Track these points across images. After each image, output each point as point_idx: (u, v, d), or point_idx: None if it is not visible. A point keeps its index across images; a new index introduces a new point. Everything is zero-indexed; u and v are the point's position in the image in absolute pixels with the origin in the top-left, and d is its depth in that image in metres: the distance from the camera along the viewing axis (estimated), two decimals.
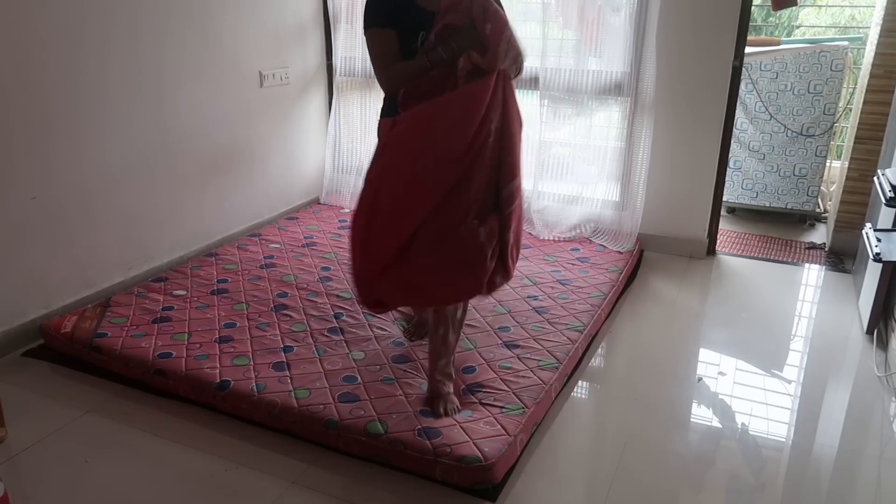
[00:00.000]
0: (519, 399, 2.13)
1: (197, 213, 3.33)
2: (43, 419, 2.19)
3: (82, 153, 2.72)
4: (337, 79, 3.97)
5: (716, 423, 2.28)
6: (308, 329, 2.59)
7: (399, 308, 2.63)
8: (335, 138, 4.08)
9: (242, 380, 2.24)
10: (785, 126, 4.02)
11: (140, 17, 2.86)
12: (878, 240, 2.60)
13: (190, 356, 2.38)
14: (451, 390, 2.14)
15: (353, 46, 3.89)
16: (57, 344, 2.54)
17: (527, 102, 3.77)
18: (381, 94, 2.19)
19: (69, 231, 2.72)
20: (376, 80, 2.17)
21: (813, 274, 3.50)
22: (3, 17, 2.36)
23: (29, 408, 2.25)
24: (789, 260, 3.66)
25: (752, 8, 3.32)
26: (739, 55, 3.26)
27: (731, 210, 4.39)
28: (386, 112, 2.27)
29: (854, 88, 4.06)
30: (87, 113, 2.71)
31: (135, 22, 2.83)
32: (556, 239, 3.56)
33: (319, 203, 4.12)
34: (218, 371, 2.29)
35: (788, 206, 4.17)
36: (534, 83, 3.58)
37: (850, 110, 4.06)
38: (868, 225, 2.80)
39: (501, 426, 2.00)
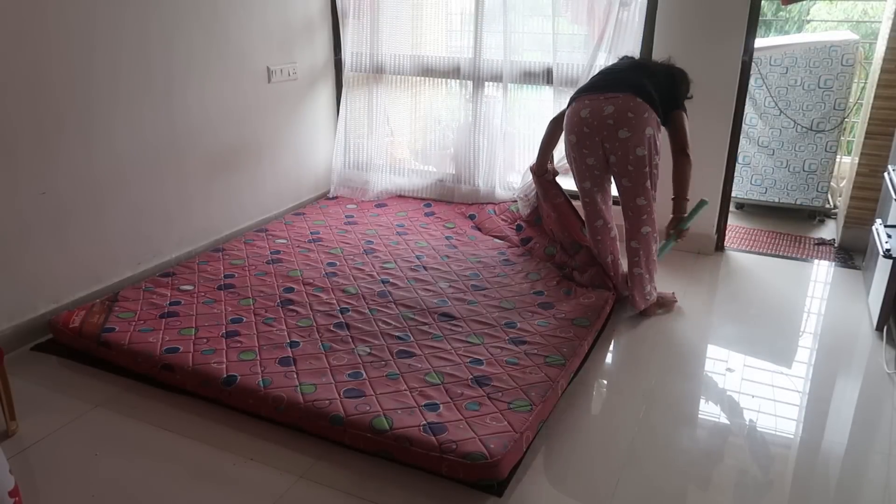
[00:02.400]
0: (526, 396, 2.13)
1: (204, 208, 3.34)
2: (53, 413, 2.21)
3: (91, 149, 2.73)
4: (346, 74, 3.97)
5: (724, 420, 2.27)
6: (314, 324, 2.60)
7: None
8: (344, 133, 4.08)
9: (249, 375, 2.25)
10: (794, 121, 3.99)
11: (149, 13, 2.86)
12: (889, 236, 2.59)
13: (197, 351, 2.39)
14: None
15: (360, 42, 3.89)
16: (65, 338, 2.55)
17: (539, 97, 3.78)
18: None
19: (78, 226, 2.74)
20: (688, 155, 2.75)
21: (822, 270, 3.47)
22: (13, 13, 2.37)
23: (39, 402, 2.26)
24: (798, 256, 3.64)
25: (762, 3, 3.29)
26: (749, 50, 3.24)
27: (740, 206, 4.36)
28: None
29: (865, 83, 4.02)
30: (97, 109, 2.72)
31: (144, 18, 2.84)
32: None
33: (327, 198, 4.12)
34: (225, 366, 2.30)
35: (798, 202, 4.14)
36: (545, 78, 3.57)
37: (861, 105, 4.02)
38: (878, 221, 2.78)
39: (508, 422, 2.00)
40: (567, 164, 2.92)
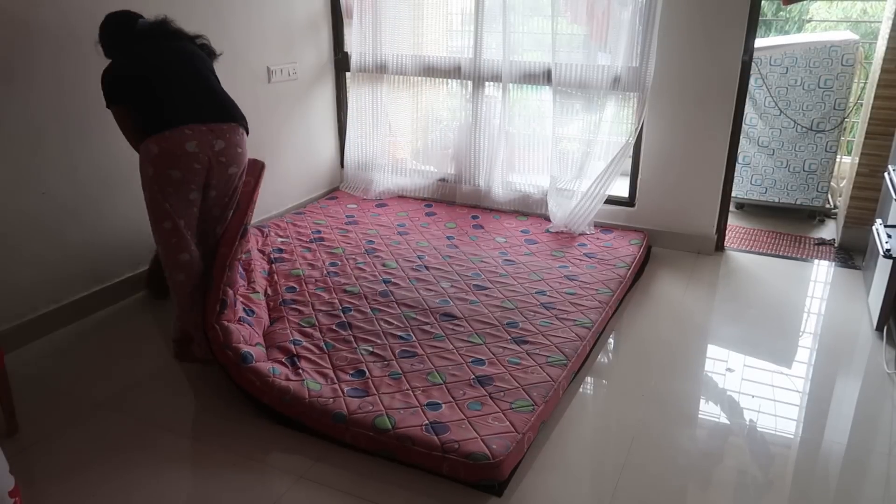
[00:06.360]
0: (528, 396, 2.13)
1: None
2: (53, 413, 2.21)
3: (91, 148, 2.73)
4: (352, 73, 3.98)
5: (724, 419, 2.27)
6: (317, 323, 2.60)
7: None
8: (352, 132, 4.09)
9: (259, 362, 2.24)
10: (795, 121, 3.99)
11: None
12: (889, 236, 2.59)
13: None
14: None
15: (364, 41, 3.89)
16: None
17: (539, 97, 3.78)
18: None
19: (78, 226, 2.73)
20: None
21: (822, 270, 3.48)
22: (13, 12, 2.36)
23: (39, 402, 2.26)
24: (798, 256, 3.64)
25: (762, 3, 3.29)
26: (749, 50, 3.24)
27: (740, 206, 4.36)
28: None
29: (865, 83, 4.02)
30: (97, 108, 2.71)
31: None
32: (565, 234, 3.55)
33: (328, 198, 4.12)
34: None
35: (798, 202, 4.15)
36: (545, 78, 3.57)
37: (861, 105, 4.03)
38: (878, 221, 2.78)
39: (510, 423, 2.00)
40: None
